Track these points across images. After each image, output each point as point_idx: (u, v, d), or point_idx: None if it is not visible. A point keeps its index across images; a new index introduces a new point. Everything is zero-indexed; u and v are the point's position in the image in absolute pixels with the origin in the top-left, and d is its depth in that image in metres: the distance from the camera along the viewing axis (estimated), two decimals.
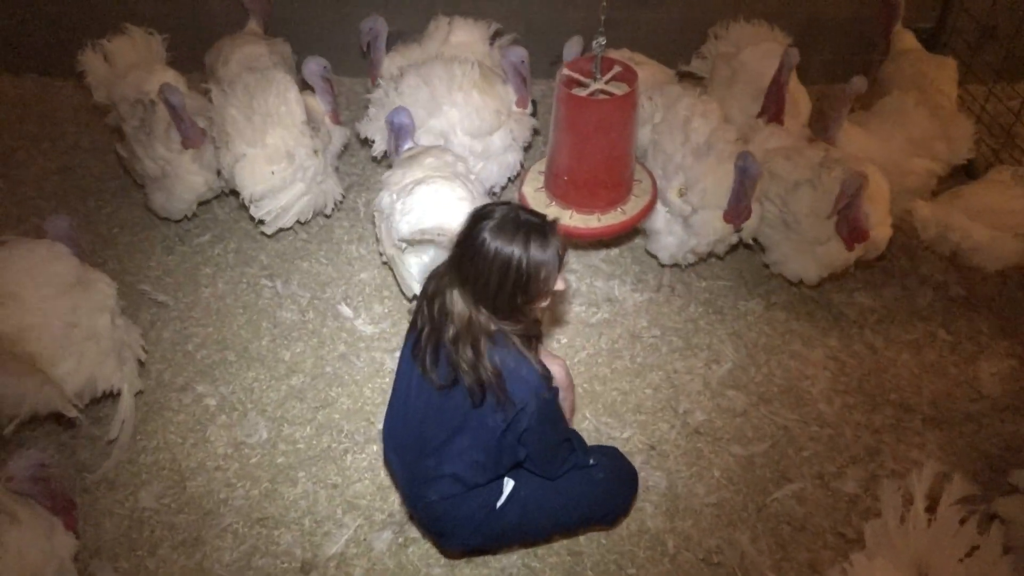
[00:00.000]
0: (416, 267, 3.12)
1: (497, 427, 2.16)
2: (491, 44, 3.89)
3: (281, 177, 3.33)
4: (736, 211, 3.24)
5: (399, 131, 3.31)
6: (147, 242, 3.71)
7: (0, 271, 2.70)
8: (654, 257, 3.57)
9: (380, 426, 3.01)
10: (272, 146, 3.31)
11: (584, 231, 3.29)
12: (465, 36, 3.81)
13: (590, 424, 3.07)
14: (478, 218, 2.08)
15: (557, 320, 3.43)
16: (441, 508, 2.33)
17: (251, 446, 2.97)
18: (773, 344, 3.38)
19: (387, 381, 3.17)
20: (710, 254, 3.49)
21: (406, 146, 3.34)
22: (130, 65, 3.67)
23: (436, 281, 2.19)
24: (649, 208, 3.39)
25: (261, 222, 3.49)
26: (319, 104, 3.57)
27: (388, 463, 2.63)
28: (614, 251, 3.76)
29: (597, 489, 2.49)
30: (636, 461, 2.93)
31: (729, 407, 3.15)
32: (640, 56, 3.83)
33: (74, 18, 3.83)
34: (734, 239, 3.39)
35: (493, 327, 2.10)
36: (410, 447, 2.35)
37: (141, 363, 3.05)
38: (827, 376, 3.27)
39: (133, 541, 2.71)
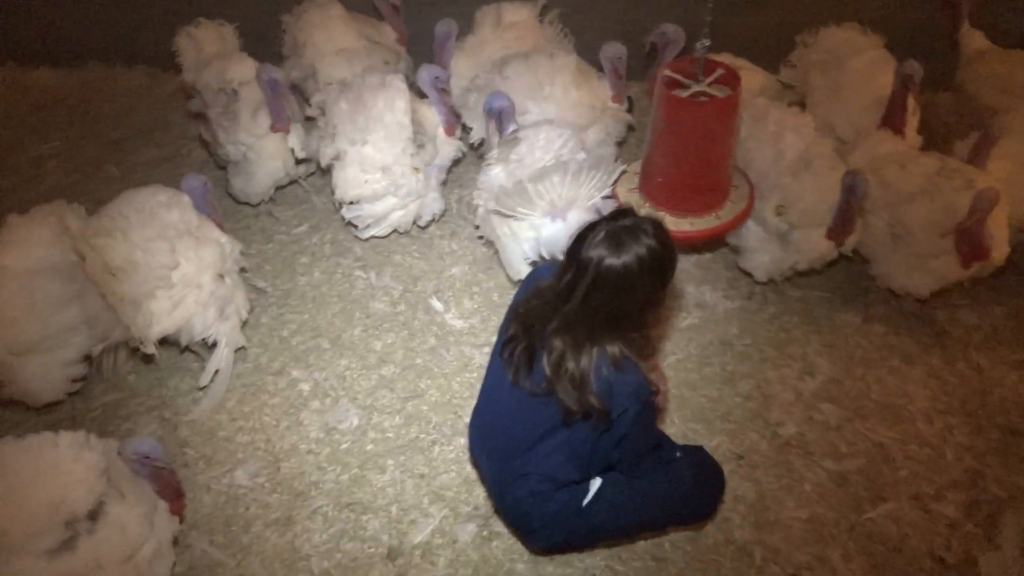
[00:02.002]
0: (529, 244, 3.15)
1: (591, 438, 2.17)
2: (540, 20, 3.88)
3: (373, 189, 3.39)
4: (841, 229, 3.15)
5: (500, 114, 3.32)
6: (248, 230, 3.83)
7: (121, 208, 2.97)
8: (748, 274, 3.50)
9: (467, 420, 3.05)
10: (369, 157, 3.36)
11: (676, 235, 3.23)
12: (516, 16, 3.80)
13: (677, 430, 3.03)
14: (584, 237, 2.04)
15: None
16: (528, 504, 2.34)
17: (342, 432, 3.04)
18: (870, 358, 3.28)
19: (475, 376, 3.20)
20: (808, 270, 3.41)
21: (510, 128, 3.35)
22: (213, 53, 3.83)
23: (537, 300, 2.18)
24: (745, 215, 3.33)
25: (354, 225, 3.58)
26: (433, 115, 3.56)
27: (474, 458, 2.66)
28: (706, 256, 3.71)
29: (683, 487, 2.47)
30: (724, 469, 2.88)
31: (822, 420, 3.07)
32: (743, 61, 3.76)
33: (186, 13, 4.00)
34: (834, 254, 3.29)
35: (608, 347, 2.09)
36: (499, 445, 2.37)
37: (244, 322, 3.20)
38: (927, 394, 3.15)
39: (229, 517, 2.80)
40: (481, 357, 3.27)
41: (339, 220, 3.83)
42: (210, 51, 3.87)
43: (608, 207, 3.12)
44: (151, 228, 2.93)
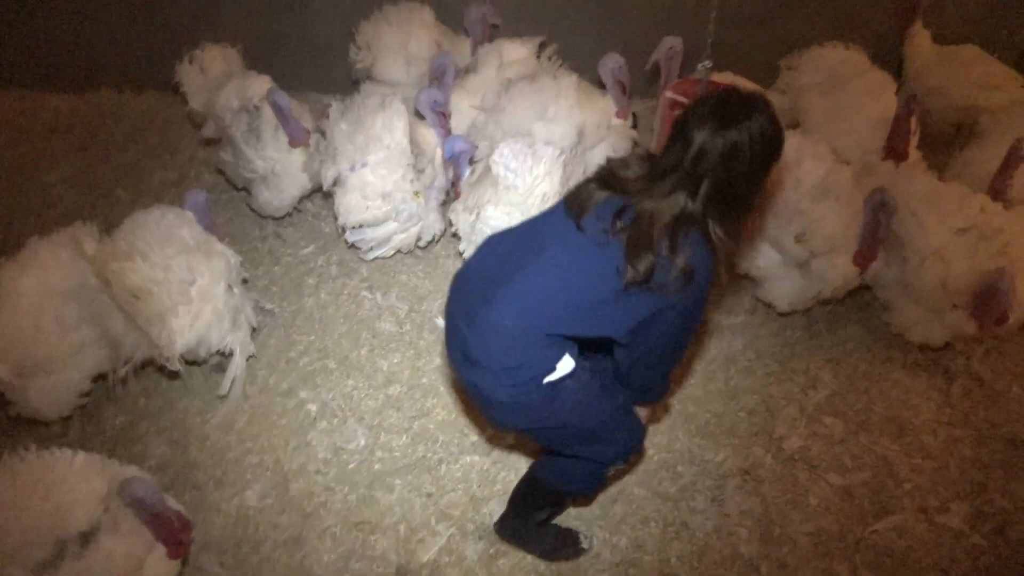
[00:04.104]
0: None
1: (635, 307, 2.02)
2: (538, 57, 3.90)
3: (374, 215, 3.44)
4: (868, 251, 3.14)
5: (460, 157, 3.38)
6: (256, 252, 3.88)
7: (135, 231, 3.03)
8: (768, 305, 3.49)
9: (474, 438, 3.10)
10: (370, 183, 3.40)
11: None
12: (516, 54, 3.83)
13: (683, 445, 3.05)
14: (691, 112, 1.95)
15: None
16: (492, 336, 2.11)
17: (349, 452, 3.07)
18: (874, 372, 3.30)
19: None
20: (831, 298, 3.36)
21: (466, 173, 3.41)
22: (222, 75, 3.88)
23: (627, 170, 2.05)
24: (746, 232, 3.36)
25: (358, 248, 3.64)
26: (432, 136, 3.60)
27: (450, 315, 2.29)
28: None
29: (624, 424, 2.34)
30: (730, 485, 2.92)
31: (827, 434, 3.08)
32: (743, 80, 3.80)
33: (196, 35, 4.07)
34: (857, 282, 3.27)
35: (712, 223, 1.96)
36: (501, 268, 2.15)
37: (254, 329, 3.27)
38: (931, 407, 3.17)
39: (239, 538, 2.83)
40: None
41: (345, 242, 3.87)
42: (217, 73, 3.94)
43: None
44: (168, 247, 3.01)
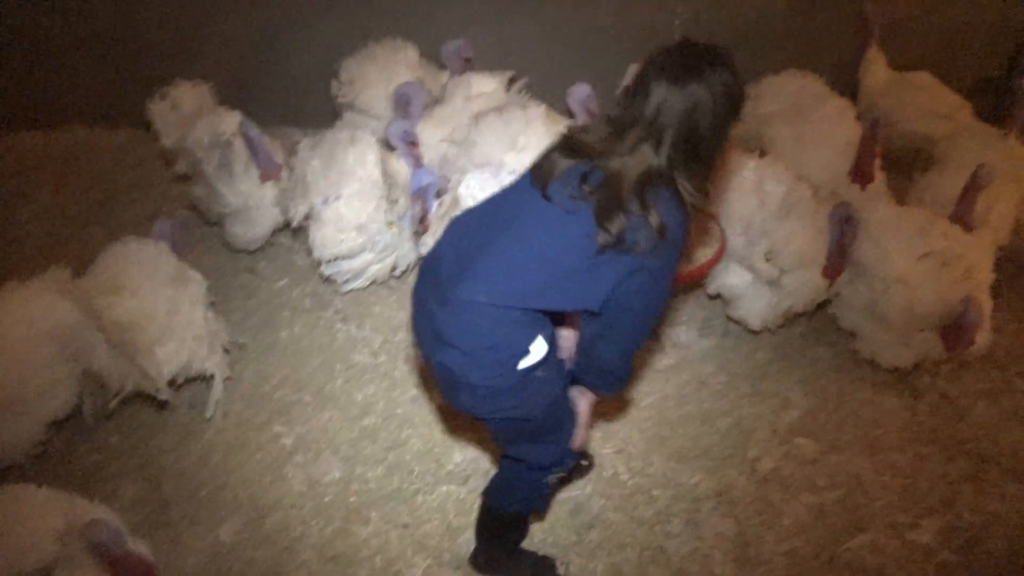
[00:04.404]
0: None
1: (606, 273, 1.98)
2: (507, 90, 3.95)
3: (349, 247, 3.46)
4: (837, 264, 3.20)
5: (427, 190, 3.41)
6: (229, 287, 3.88)
7: (117, 265, 3.10)
8: (739, 326, 3.55)
9: (450, 467, 3.10)
10: (344, 216, 3.42)
11: None
12: (484, 87, 3.88)
13: (657, 469, 3.08)
14: (645, 74, 1.93)
15: None
16: (466, 315, 2.07)
17: (325, 485, 3.06)
18: (844, 391, 3.35)
19: (457, 423, 3.24)
20: (803, 312, 3.42)
21: (435, 205, 3.44)
22: (194, 111, 3.92)
23: (591, 134, 2.03)
24: (719, 257, 3.42)
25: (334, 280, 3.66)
26: (403, 167, 3.61)
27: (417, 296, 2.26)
28: (679, 296, 3.79)
29: (567, 428, 2.35)
30: (704, 507, 2.94)
31: (799, 454, 3.12)
32: None
33: (168, 72, 4.11)
34: (824, 295, 3.33)
35: (680, 178, 1.93)
36: (470, 246, 2.11)
37: (226, 351, 3.32)
38: (900, 424, 3.22)
39: (213, 575, 2.81)
40: None
41: (319, 274, 3.89)
42: (190, 110, 3.96)
43: None
44: (150, 279, 3.08)
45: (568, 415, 2.34)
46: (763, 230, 3.24)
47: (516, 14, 4.40)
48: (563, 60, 4.50)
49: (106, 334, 2.91)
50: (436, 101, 3.94)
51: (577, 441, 2.36)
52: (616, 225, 1.90)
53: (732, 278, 3.38)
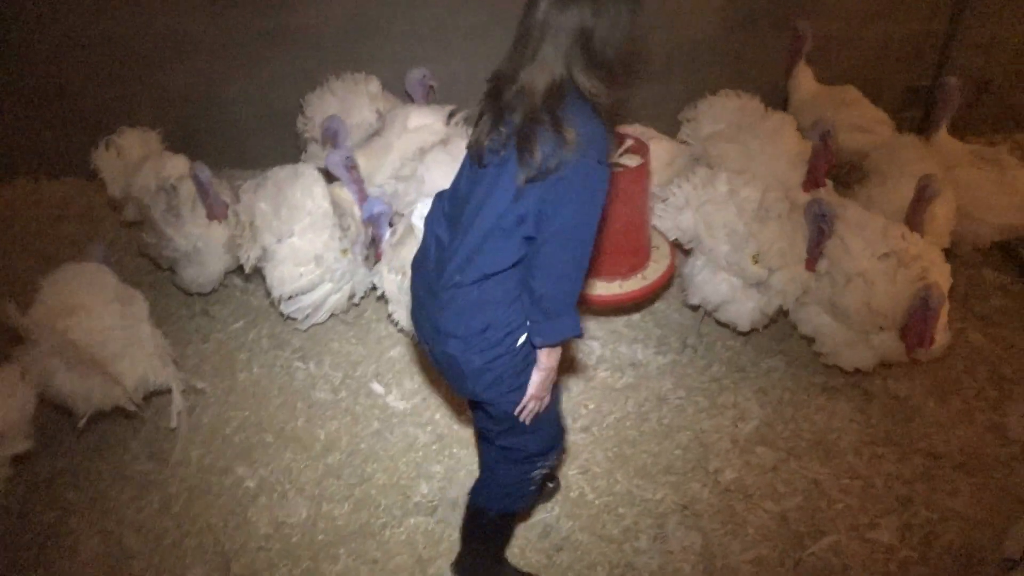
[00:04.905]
0: None
1: (517, 188, 2.00)
2: (447, 123, 4.00)
3: (309, 280, 3.48)
4: (816, 255, 3.33)
5: (380, 218, 3.46)
6: (184, 331, 3.85)
7: (65, 287, 3.17)
8: (724, 326, 3.62)
9: (417, 498, 3.10)
10: (300, 249, 3.45)
11: (608, 298, 3.40)
12: (421, 120, 3.93)
13: (622, 487, 3.11)
14: None
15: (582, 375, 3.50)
16: (455, 301, 2.15)
17: (291, 525, 3.03)
18: (798, 399, 3.43)
19: (420, 455, 3.24)
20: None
21: (387, 232, 3.49)
22: (140, 158, 3.91)
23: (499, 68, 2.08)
24: (670, 272, 3.50)
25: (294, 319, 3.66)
26: (347, 194, 3.69)
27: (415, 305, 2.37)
28: (635, 316, 3.86)
29: (554, 415, 2.45)
30: (670, 522, 2.98)
31: (759, 463, 3.18)
32: (652, 131, 3.97)
33: (111, 120, 4.09)
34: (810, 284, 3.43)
35: (580, 77, 1.96)
36: (444, 234, 2.22)
37: (176, 363, 3.35)
38: (854, 428, 3.30)
39: None
40: (425, 436, 3.32)
41: (275, 315, 3.88)
42: (135, 157, 3.95)
43: None
44: (98, 297, 3.15)
45: (558, 400, 2.40)
46: (748, 234, 3.34)
47: (459, 50, 4.49)
48: None
49: (65, 358, 2.94)
50: (376, 132, 3.99)
51: (530, 392, 2.26)
52: (534, 152, 1.94)
53: (721, 286, 3.47)
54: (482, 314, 2.14)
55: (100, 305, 3.12)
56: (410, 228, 3.35)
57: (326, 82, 4.23)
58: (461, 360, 2.19)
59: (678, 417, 3.38)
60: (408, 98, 4.24)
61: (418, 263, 2.33)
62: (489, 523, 2.65)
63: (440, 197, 2.31)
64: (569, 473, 3.15)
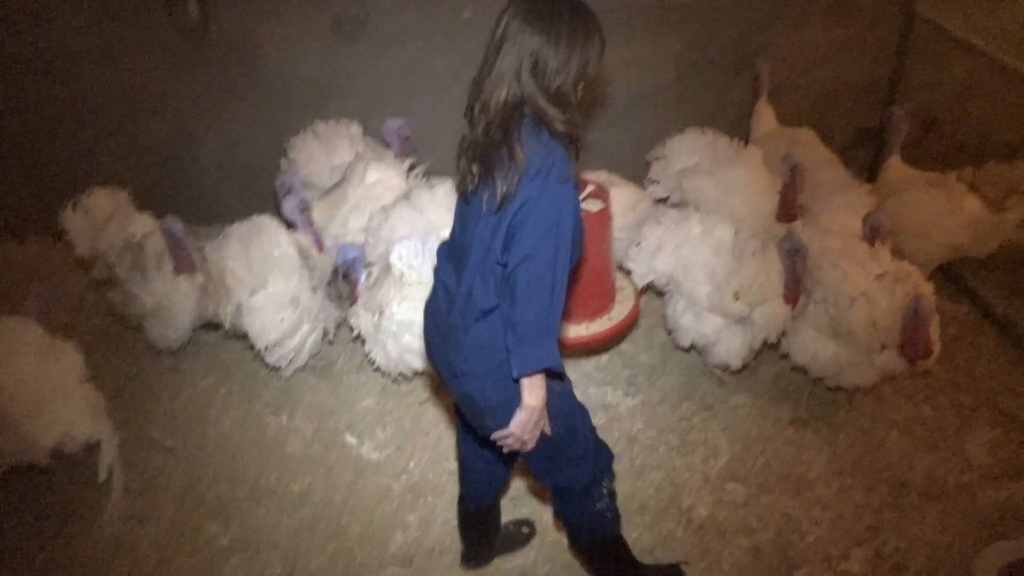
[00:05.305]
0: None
1: (495, 218, 2.04)
2: (407, 177, 4.07)
3: (290, 323, 3.51)
4: (796, 289, 3.40)
5: (354, 263, 3.51)
6: (153, 390, 3.82)
7: None
8: (718, 368, 3.66)
9: (393, 549, 3.09)
10: (276, 295, 3.48)
11: (576, 340, 3.45)
12: (380, 175, 3.99)
13: None
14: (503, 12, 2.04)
15: None
16: (464, 342, 2.19)
17: None
18: (766, 434, 3.49)
19: (396, 505, 3.24)
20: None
21: (363, 275, 3.55)
22: (108, 216, 3.93)
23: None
24: (634, 312, 3.57)
25: (277, 368, 3.67)
26: (303, 237, 3.74)
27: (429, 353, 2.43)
28: (604, 358, 3.91)
29: (587, 438, 2.47)
30: (647, 562, 2.99)
31: (731, 500, 3.22)
32: (614, 177, 4.05)
33: (74, 181, 4.10)
34: (790, 320, 3.51)
35: (539, 109, 2.02)
36: (449, 277, 2.29)
37: (109, 416, 3.29)
38: (822, 460, 3.36)
39: None
40: (400, 486, 3.32)
41: (245, 369, 3.88)
42: (103, 216, 3.95)
43: None
44: (15, 352, 3.12)
45: (588, 425, 2.44)
46: (727, 273, 3.42)
47: (425, 101, 4.58)
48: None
49: None
50: (336, 184, 4.06)
51: (511, 428, 2.20)
52: (494, 175, 2.00)
53: (705, 327, 3.52)
54: (492, 350, 2.17)
55: (13, 361, 3.10)
56: (387, 269, 3.41)
57: (310, 125, 4.35)
58: (478, 398, 2.23)
59: (650, 457, 3.41)
60: (386, 145, 4.33)
61: (429, 309, 2.39)
62: (600, 552, 2.71)
63: (443, 246, 2.38)
64: (544, 518, 3.17)
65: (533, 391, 2.13)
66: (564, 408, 2.35)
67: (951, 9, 4.33)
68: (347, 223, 3.89)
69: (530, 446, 2.25)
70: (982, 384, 3.69)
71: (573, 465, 2.43)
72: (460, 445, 2.74)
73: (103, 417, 3.25)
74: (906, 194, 3.92)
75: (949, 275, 4.20)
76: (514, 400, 2.17)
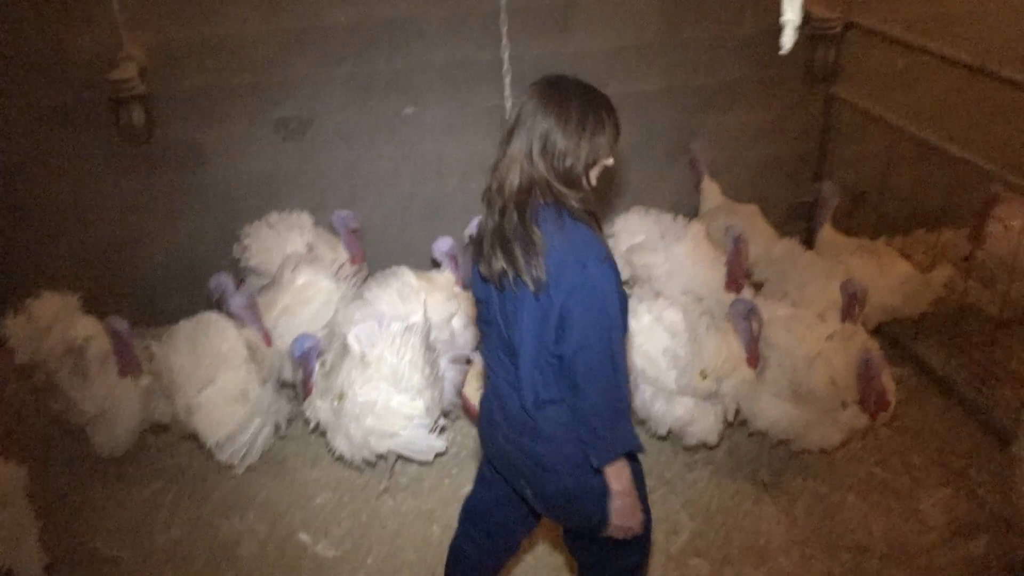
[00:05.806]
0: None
1: (539, 307, 2.03)
2: (336, 274, 4.12)
3: (241, 416, 3.45)
4: (755, 352, 3.45)
5: (309, 353, 3.50)
6: (98, 499, 3.69)
7: None
8: (695, 448, 3.67)
9: None
10: (226, 389, 3.44)
11: None
12: (309, 277, 4.02)
13: None
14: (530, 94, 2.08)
15: None
16: (531, 440, 2.20)
17: None
18: (725, 507, 3.49)
19: None
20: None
21: (316, 364, 3.53)
22: (51, 321, 3.84)
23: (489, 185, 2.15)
24: None
25: (228, 467, 3.59)
26: (251, 333, 3.72)
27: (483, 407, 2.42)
28: None
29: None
30: None
31: (695, 575, 3.19)
32: None
33: (22, 286, 4.04)
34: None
35: (553, 189, 2.04)
36: (498, 378, 2.27)
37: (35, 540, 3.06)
38: (781, 529, 3.37)
39: None
40: None
41: (194, 471, 3.78)
42: (46, 321, 3.87)
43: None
44: None
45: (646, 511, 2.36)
46: (689, 355, 3.46)
47: (369, 193, 4.66)
48: (416, 229, 4.75)
49: None
50: (269, 283, 4.09)
51: (611, 520, 2.20)
52: (517, 259, 2.01)
53: (678, 410, 3.54)
54: (557, 440, 2.17)
55: None
56: (343, 353, 3.40)
57: (264, 216, 4.41)
58: (559, 494, 2.23)
59: None
60: (336, 235, 4.40)
61: (485, 419, 2.37)
62: None
63: (486, 337, 2.34)
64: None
65: (619, 476, 2.14)
66: (640, 490, 2.30)
67: (868, 90, 4.60)
68: (277, 326, 3.88)
69: (638, 530, 2.24)
70: (930, 444, 3.76)
71: (638, 550, 2.41)
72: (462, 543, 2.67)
73: (25, 541, 3.00)
74: (841, 258, 4.11)
75: (890, 339, 4.32)
76: (588, 483, 2.17)
